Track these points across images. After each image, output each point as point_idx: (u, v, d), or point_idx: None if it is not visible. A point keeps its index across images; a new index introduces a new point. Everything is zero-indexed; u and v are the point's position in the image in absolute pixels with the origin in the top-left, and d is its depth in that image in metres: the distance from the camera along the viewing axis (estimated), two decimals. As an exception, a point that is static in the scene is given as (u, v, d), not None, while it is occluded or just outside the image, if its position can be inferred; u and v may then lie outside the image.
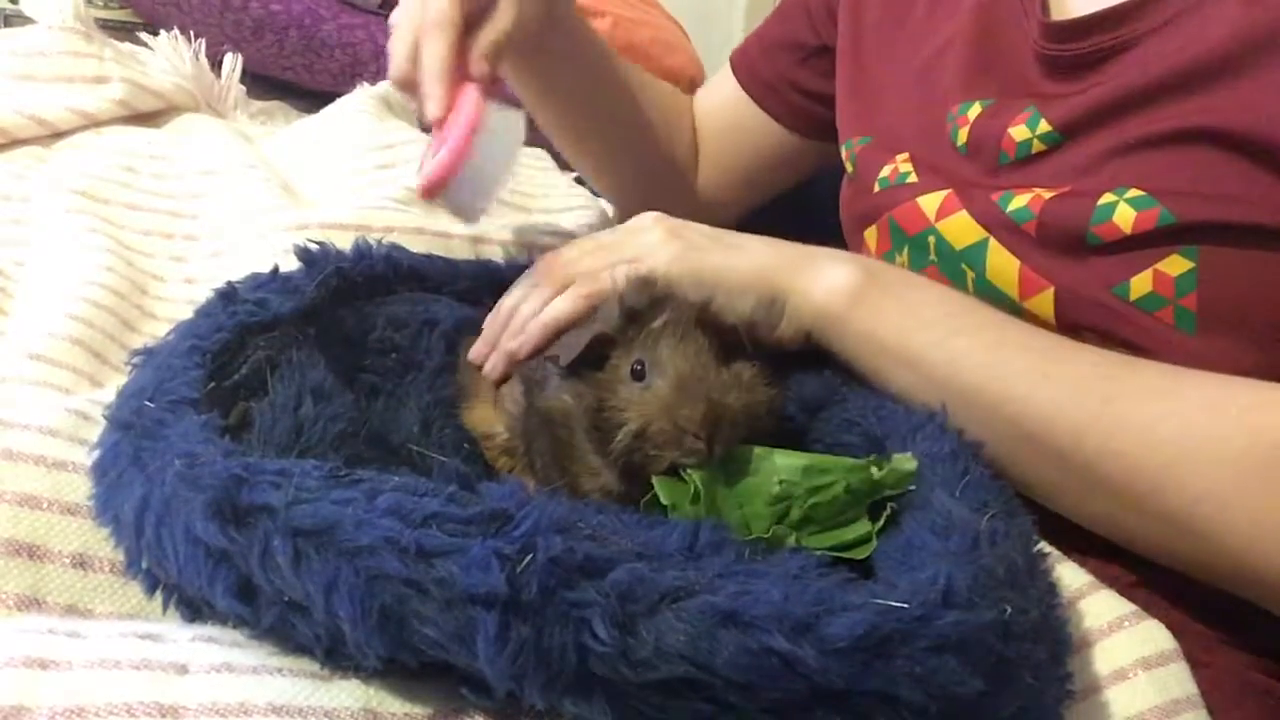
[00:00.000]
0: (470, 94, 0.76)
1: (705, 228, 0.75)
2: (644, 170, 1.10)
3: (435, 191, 0.73)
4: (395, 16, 0.82)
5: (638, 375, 0.56)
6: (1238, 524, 0.58)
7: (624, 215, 0.81)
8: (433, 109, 0.76)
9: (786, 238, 0.76)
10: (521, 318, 0.70)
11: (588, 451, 0.57)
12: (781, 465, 0.56)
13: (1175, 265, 0.67)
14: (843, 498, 0.56)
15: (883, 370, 0.69)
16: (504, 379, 0.69)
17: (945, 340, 0.67)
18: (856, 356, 0.70)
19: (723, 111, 1.11)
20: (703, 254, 0.72)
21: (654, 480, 0.55)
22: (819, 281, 0.70)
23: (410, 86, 0.80)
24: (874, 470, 0.57)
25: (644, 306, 0.58)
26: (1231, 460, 0.58)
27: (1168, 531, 0.61)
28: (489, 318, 0.73)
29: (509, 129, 0.78)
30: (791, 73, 1.05)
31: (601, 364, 0.58)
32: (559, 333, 0.67)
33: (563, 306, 0.69)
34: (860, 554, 0.55)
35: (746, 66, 1.09)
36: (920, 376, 0.67)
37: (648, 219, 0.75)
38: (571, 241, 0.77)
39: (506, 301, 0.73)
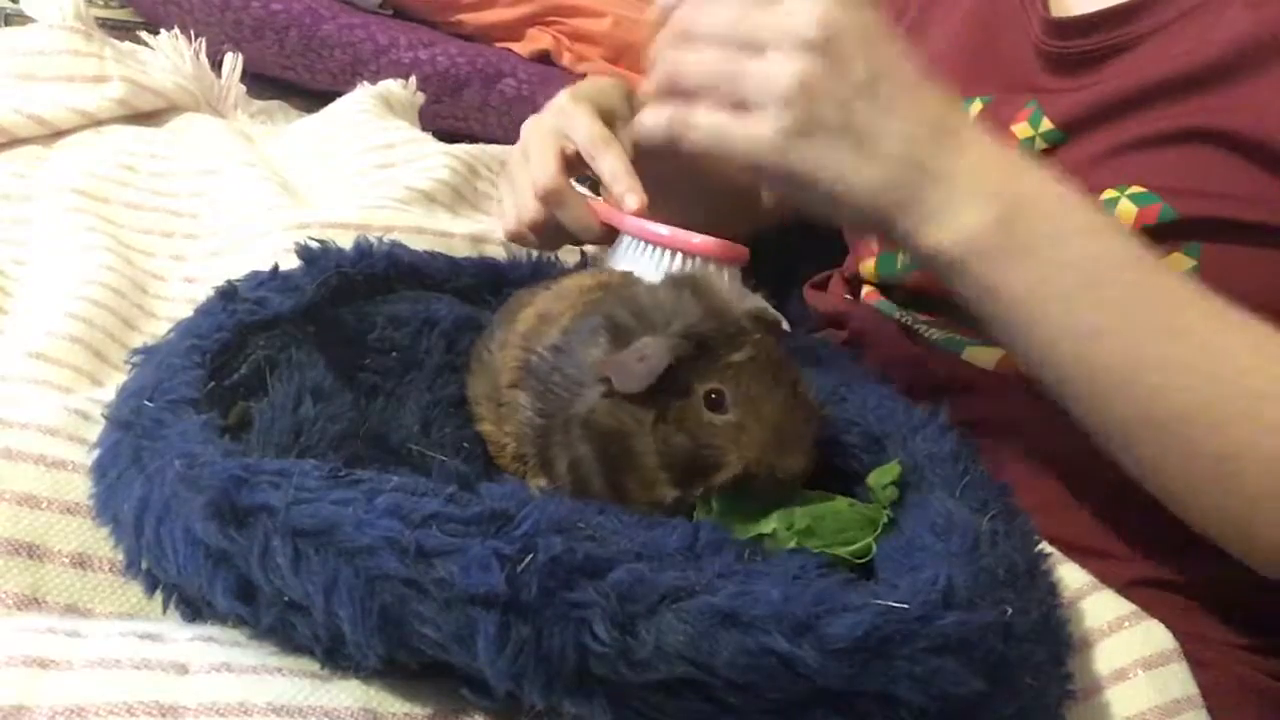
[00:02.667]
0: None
1: (856, 74, 0.59)
2: (727, 202, 1.08)
3: (663, 245, 0.74)
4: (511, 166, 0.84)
5: (714, 406, 0.56)
6: None
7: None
8: (636, 200, 0.75)
9: (786, 235, 0.75)
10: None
11: (650, 470, 0.56)
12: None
13: (1177, 263, 0.67)
14: (847, 513, 0.56)
15: (999, 326, 0.63)
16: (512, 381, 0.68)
17: (1080, 315, 0.60)
18: (973, 303, 0.63)
19: None
20: (811, 144, 0.59)
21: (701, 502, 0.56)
22: (938, 227, 0.60)
23: (557, 201, 0.79)
24: (885, 515, 0.57)
25: (710, 331, 0.57)
26: None
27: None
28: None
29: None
30: None
31: (665, 387, 0.56)
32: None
33: (652, 126, 0.63)
34: (857, 556, 0.55)
35: None
36: (1041, 344, 0.62)
37: (804, 20, 0.59)
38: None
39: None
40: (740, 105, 0.60)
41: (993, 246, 0.59)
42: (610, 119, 0.81)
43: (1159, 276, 0.61)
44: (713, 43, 0.61)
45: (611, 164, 0.76)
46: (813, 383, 0.65)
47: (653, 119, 0.63)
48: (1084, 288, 0.60)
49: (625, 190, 0.75)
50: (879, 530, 0.55)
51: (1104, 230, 0.61)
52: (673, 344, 0.55)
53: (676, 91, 0.62)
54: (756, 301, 0.62)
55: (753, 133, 0.59)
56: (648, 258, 0.75)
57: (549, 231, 0.82)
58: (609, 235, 0.80)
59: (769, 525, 0.54)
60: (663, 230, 0.75)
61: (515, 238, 0.84)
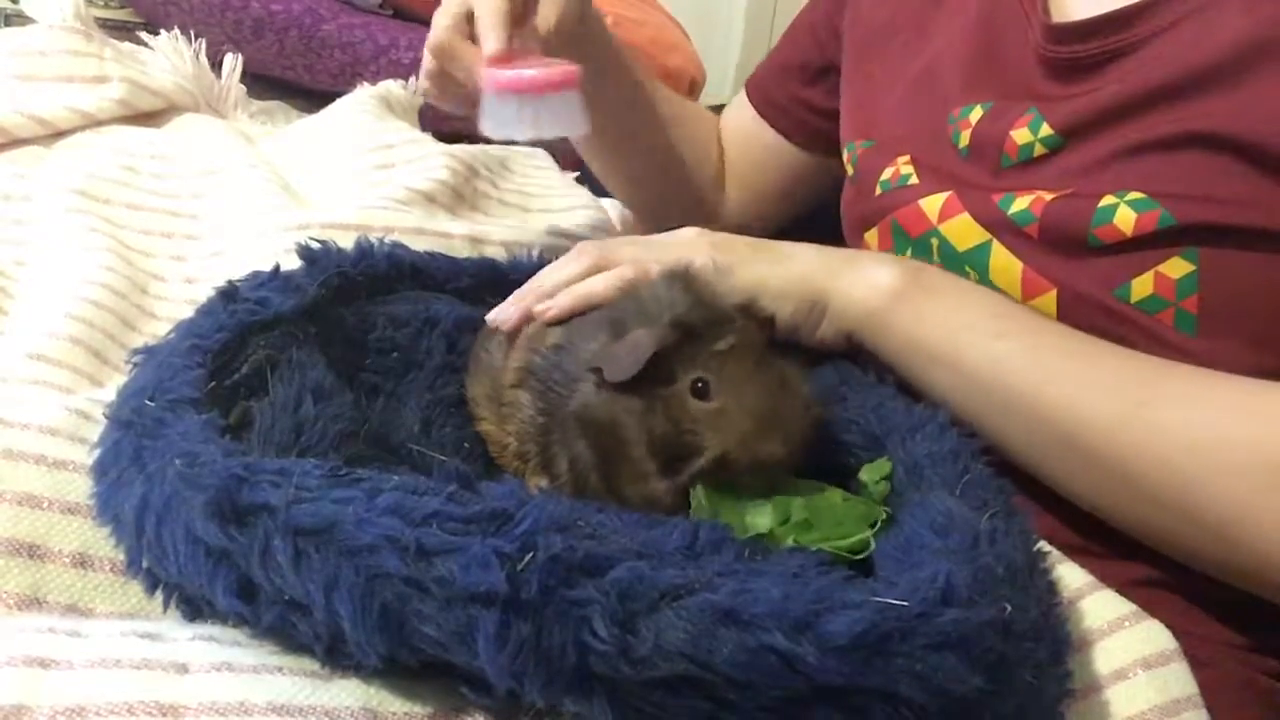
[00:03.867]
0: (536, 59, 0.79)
1: (749, 239, 0.75)
2: (673, 190, 1.11)
3: (503, 90, 0.76)
4: None
5: (700, 394, 0.56)
6: (1267, 528, 0.58)
7: (649, 230, 0.84)
8: (493, 44, 0.77)
9: (788, 238, 0.76)
10: (552, 283, 0.71)
11: (639, 461, 0.57)
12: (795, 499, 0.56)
13: (1176, 268, 0.67)
14: (841, 506, 0.57)
15: (923, 370, 0.70)
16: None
17: (987, 342, 0.67)
18: (897, 356, 0.71)
19: (743, 134, 1.14)
20: (745, 264, 0.72)
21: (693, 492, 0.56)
22: (862, 281, 0.71)
23: (446, 54, 0.82)
24: (882, 511, 0.57)
25: (698, 320, 0.58)
26: (1262, 465, 0.58)
27: (1199, 534, 0.61)
28: (522, 287, 0.73)
29: (572, 104, 0.79)
30: (802, 93, 1.08)
31: (654, 377, 0.57)
32: (588, 308, 0.67)
33: (598, 284, 0.69)
34: (856, 551, 0.55)
35: (759, 90, 1.11)
36: (961, 378, 0.68)
37: (690, 232, 0.76)
38: (615, 238, 0.78)
39: (540, 274, 0.73)
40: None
41: (908, 293, 0.70)
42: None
43: (1042, 315, 0.70)
44: (627, 247, 0.74)
45: (483, 12, 0.79)
46: (810, 379, 0.65)
47: (605, 277, 0.69)
48: (986, 320, 0.68)
49: (485, 33, 0.78)
50: (877, 527, 0.56)
51: (983, 287, 0.73)
52: (658, 334, 0.56)
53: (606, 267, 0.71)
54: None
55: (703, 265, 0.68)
56: (505, 109, 0.77)
57: (444, 84, 0.85)
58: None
59: (765, 520, 0.55)
60: (504, 73, 0.76)
61: (424, 91, 0.89)
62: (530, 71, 0.76)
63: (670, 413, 0.56)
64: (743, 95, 1.14)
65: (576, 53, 0.83)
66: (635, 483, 0.57)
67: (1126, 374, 0.64)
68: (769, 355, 0.59)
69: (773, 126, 1.10)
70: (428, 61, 0.85)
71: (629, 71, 1.04)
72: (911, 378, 0.70)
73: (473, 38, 0.81)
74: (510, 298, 0.72)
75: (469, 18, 0.81)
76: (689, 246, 0.73)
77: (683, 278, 0.61)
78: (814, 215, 1.04)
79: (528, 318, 0.69)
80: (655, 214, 1.14)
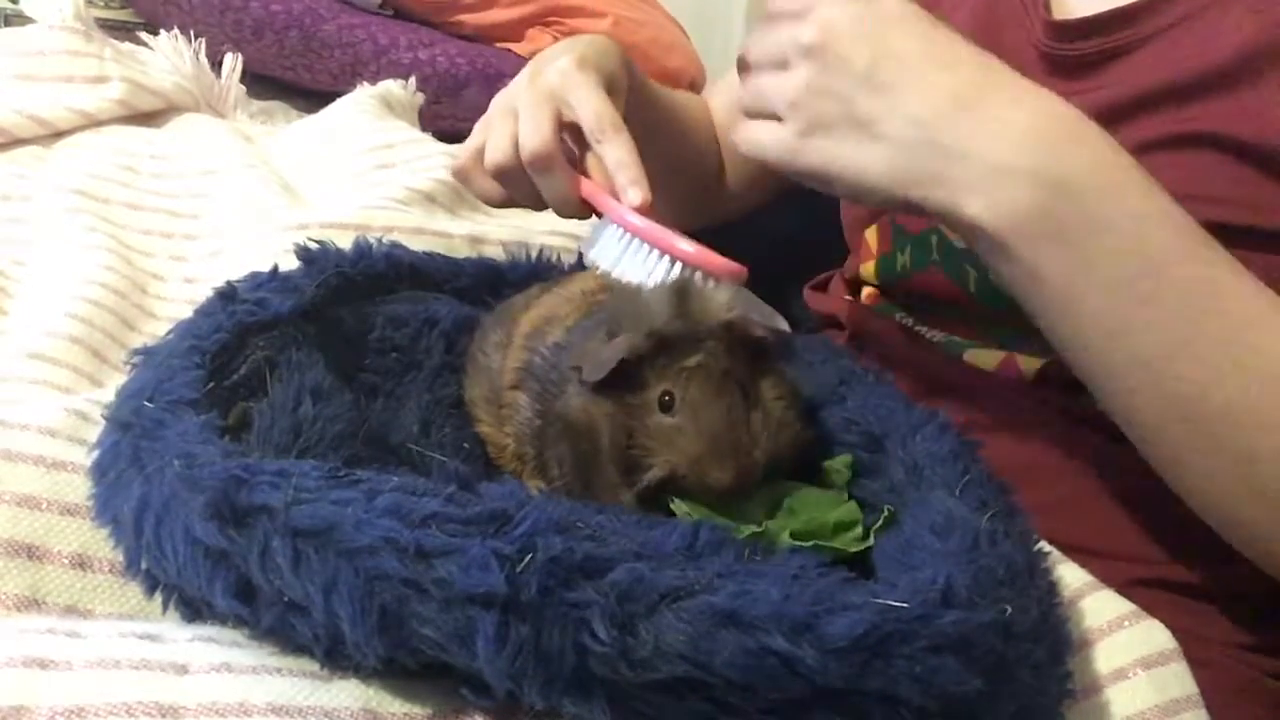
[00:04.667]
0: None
1: (859, 62, 0.61)
2: (684, 188, 1.08)
3: (671, 253, 0.67)
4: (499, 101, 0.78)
5: (665, 407, 0.56)
6: None
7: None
8: (639, 196, 0.70)
9: (787, 237, 0.75)
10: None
11: (608, 469, 0.57)
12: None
13: None
14: (816, 493, 0.58)
15: (1039, 313, 0.61)
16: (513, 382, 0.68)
17: (1124, 307, 0.58)
18: (1014, 287, 0.61)
19: (732, 113, 1.11)
20: (822, 140, 0.61)
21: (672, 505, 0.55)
22: (976, 201, 0.58)
23: (544, 166, 0.74)
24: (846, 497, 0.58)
25: (675, 334, 0.57)
26: None
27: None
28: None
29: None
30: None
31: (626, 383, 0.57)
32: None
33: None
34: (851, 545, 0.55)
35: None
36: (1082, 334, 0.60)
37: (811, 19, 0.62)
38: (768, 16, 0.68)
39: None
40: (773, 117, 0.65)
41: (1033, 229, 0.58)
42: (612, 90, 0.78)
43: (1210, 270, 0.59)
44: (758, 68, 0.67)
45: (619, 153, 0.72)
46: (808, 385, 0.65)
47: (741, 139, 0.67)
48: (1127, 281, 0.58)
49: (630, 183, 0.71)
50: (879, 522, 0.56)
51: (1156, 218, 0.59)
52: (631, 341, 0.56)
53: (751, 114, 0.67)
54: (759, 309, 0.62)
55: (773, 139, 0.64)
56: (636, 255, 0.70)
57: (514, 189, 0.78)
58: (584, 213, 0.76)
59: (756, 513, 0.55)
60: (665, 234, 0.69)
61: (462, 175, 0.81)
62: (693, 247, 0.67)
63: (632, 422, 0.56)
64: (733, 74, 1.11)
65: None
66: (604, 490, 0.57)
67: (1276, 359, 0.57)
68: (741, 374, 0.57)
69: None
70: (508, 160, 0.75)
71: (664, 107, 1.00)
72: (1031, 313, 0.62)
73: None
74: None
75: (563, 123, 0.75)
76: (789, 81, 0.63)
77: (681, 290, 0.61)
78: (815, 215, 1.03)
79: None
80: (674, 210, 1.13)
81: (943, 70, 0.60)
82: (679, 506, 0.55)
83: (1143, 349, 0.58)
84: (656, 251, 0.68)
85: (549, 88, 0.75)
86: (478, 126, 0.80)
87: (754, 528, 0.53)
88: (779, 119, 0.64)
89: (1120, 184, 0.59)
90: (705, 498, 0.55)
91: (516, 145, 0.74)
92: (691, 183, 1.06)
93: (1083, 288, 0.58)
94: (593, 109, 0.74)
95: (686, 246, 0.67)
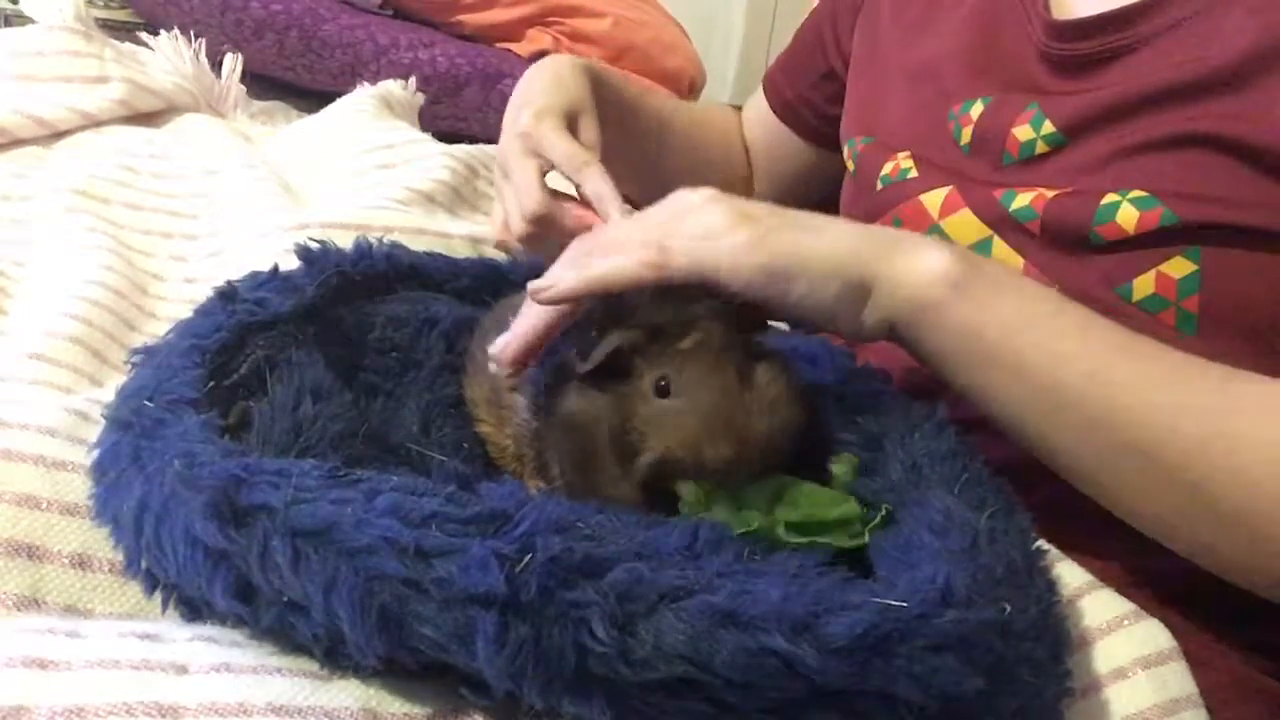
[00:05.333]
0: None
1: (767, 205, 0.65)
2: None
3: None
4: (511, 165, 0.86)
5: (662, 392, 0.56)
6: None
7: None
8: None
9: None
10: (554, 275, 0.63)
11: (608, 461, 0.57)
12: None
13: (1178, 267, 0.67)
14: (818, 491, 0.57)
15: (974, 369, 0.63)
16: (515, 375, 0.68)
17: (1050, 342, 0.61)
18: (948, 351, 0.64)
19: (761, 128, 1.16)
20: (777, 236, 0.62)
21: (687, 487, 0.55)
22: (916, 267, 0.63)
23: (548, 223, 0.83)
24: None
25: (667, 319, 0.57)
26: None
27: (1271, 557, 0.58)
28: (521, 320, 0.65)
29: None
30: (807, 93, 1.10)
31: (622, 374, 0.57)
32: (607, 290, 0.60)
33: (604, 266, 0.61)
34: (845, 541, 0.55)
35: (773, 86, 1.13)
36: (1017, 378, 0.62)
37: (698, 196, 0.65)
38: (612, 221, 0.76)
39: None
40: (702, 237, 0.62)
41: (969, 283, 0.62)
42: (575, 118, 0.86)
43: (1090, 310, 0.63)
44: (636, 229, 0.65)
45: (595, 186, 0.81)
46: (803, 379, 0.65)
47: (628, 264, 0.61)
48: (1048, 317, 0.62)
49: (613, 210, 0.79)
50: (876, 520, 0.56)
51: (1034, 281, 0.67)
52: (623, 331, 0.56)
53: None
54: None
55: (734, 241, 0.61)
56: None
57: (540, 243, 0.85)
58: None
59: (760, 506, 0.55)
60: None
61: (504, 248, 0.90)
62: None
63: (626, 410, 0.56)
64: (761, 90, 1.16)
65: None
66: (605, 485, 0.57)
67: (1206, 384, 0.60)
68: (736, 355, 0.57)
69: (784, 123, 1.12)
70: (524, 228, 0.84)
71: (644, 114, 1.05)
72: (959, 376, 0.64)
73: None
74: (511, 329, 0.65)
75: (544, 171, 0.84)
76: (705, 216, 0.63)
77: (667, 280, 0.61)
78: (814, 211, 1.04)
79: (534, 338, 0.63)
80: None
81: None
82: (687, 490, 0.55)
83: (1069, 382, 0.61)
84: None
85: (519, 148, 0.85)
86: (497, 195, 0.90)
87: (751, 525, 0.53)
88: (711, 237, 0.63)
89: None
90: (705, 478, 0.54)
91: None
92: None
93: (1016, 327, 0.62)
94: (561, 152, 0.83)
95: None
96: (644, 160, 1.05)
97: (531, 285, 0.63)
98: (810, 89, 1.09)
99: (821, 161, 1.11)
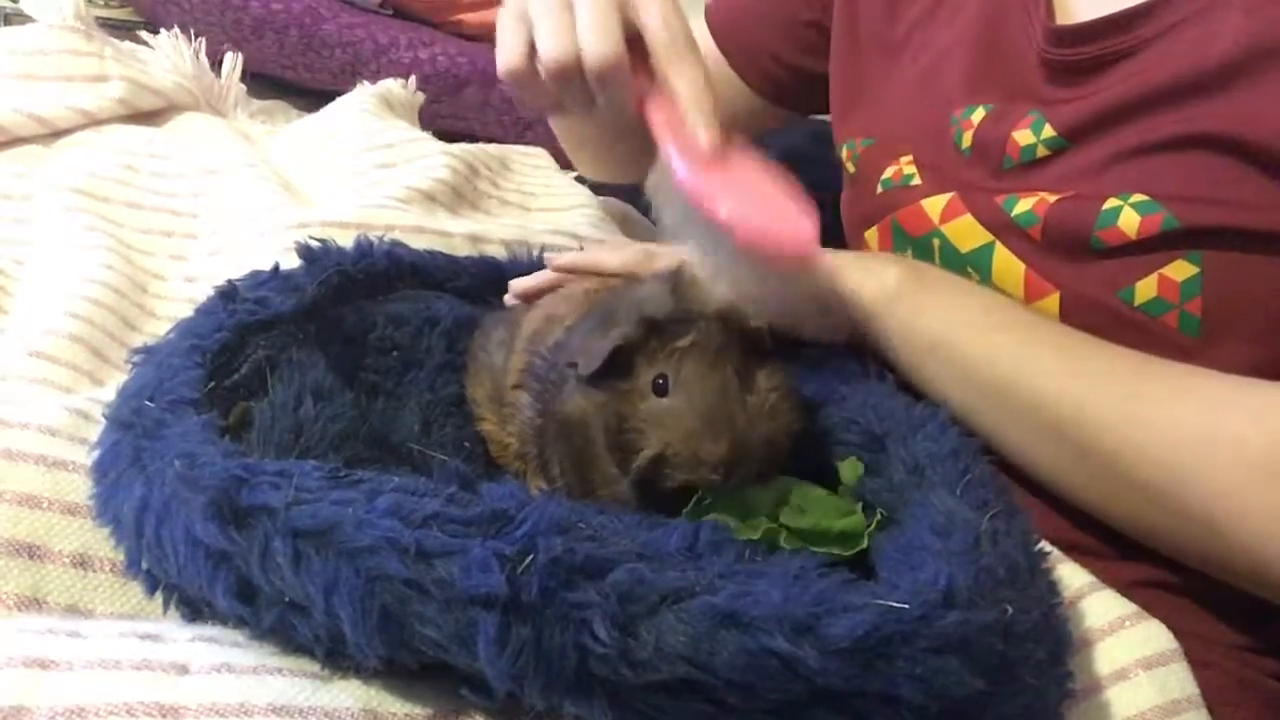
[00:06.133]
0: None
1: None
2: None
3: (733, 230, 0.59)
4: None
5: (660, 390, 0.56)
6: (1255, 522, 0.58)
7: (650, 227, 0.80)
8: (708, 136, 0.63)
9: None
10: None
11: (605, 461, 0.57)
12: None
13: (1180, 270, 0.67)
14: (826, 498, 0.58)
15: (921, 363, 0.71)
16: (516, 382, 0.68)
17: (983, 336, 0.68)
18: (898, 351, 0.72)
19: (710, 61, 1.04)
20: None
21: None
22: (869, 279, 0.72)
23: (611, 78, 0.65)
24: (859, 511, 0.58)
25: (667, 318, 0.58)
26: (1249, 460, 0.58)
27: (1187, 528, 0.61)
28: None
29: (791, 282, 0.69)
30: (773, 44, 1.02)
31: (621, 372, 0.57)
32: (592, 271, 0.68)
33: (614, 255, 0.69)
34: (848, 548, 0.55)
35: (726, 25, 1.04)
36: (956, 371, 0.69)
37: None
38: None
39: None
40: None
41: (910, 289, 0.71)
42: None
43: (1034, 310, 0.72)
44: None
45: (688, 82, 0.64)
46: (801, 384, 0.65)
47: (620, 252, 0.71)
48: (981, 314, 0.70)
49: (701, 121, 0.63)
50: (872, 524, 0.56)
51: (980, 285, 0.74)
52: (624, 330, 0.56)
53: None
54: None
55: None
56: (696, 214, 0.62)
57: (567, 95, 0.68)
58: (638, 139, 0.67)
59: (765, 504, 0.55)
60: (724, 192, 0.60)
61: (514, 77, 0.69)
62: (751, 218, 0.60)
63: (624, 408, 0.56)
64: (700, 22, 1.05)
65: None
66: (603, 484, 0.57)
67: (1119, 368, 0.65)
68: (735, 355, 0.57)
69: (730, 63, 1.03)
70: (567, 60, 0.65)
71: None
72: (910, 372, 0.71)
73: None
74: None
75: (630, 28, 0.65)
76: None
77: (672, 279, 0.61)
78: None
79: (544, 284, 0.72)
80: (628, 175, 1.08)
81: None
82: (691, 500, 0.55)
83: (1001, 373, 0.67)
84: (734, 237, 0.60)
85: None
86: (512, 14, 0.69)
87: (755, 534, 0.53)
88: None
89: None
90: (701, 475, 0.54)
91: (575, 42, 0.64)
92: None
93: (954, 325, 0.70)
94: (663, 20, 0.65)
95: (746, 212, 0.59)
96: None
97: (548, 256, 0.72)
98: (778, 39, 1.01)
99: (759, 111, 1.04)
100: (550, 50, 0.65)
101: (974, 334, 0.69)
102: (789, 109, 1.06)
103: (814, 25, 1.00)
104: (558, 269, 0.74)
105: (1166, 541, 0.64)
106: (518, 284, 0.76)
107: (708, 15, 1.07)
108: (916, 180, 0.83)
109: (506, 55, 0.68)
